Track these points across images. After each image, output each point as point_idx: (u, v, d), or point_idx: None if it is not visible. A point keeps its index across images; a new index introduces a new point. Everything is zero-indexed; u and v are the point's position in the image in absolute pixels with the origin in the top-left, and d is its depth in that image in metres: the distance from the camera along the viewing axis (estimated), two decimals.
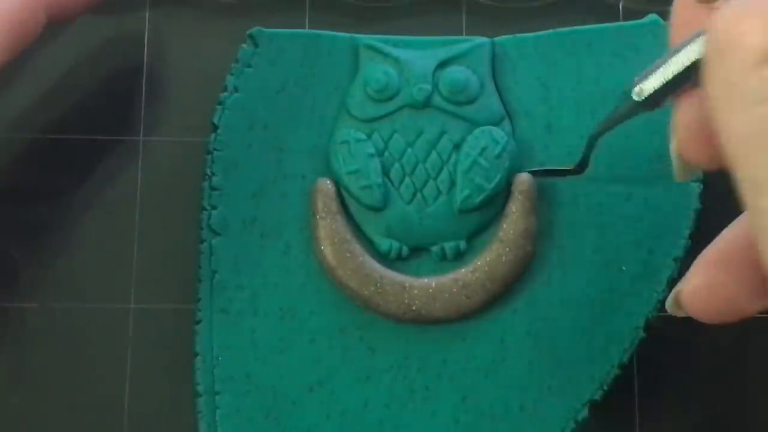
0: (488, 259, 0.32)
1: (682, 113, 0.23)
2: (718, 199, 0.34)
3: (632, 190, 0.33)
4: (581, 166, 0.32)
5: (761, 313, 0.34)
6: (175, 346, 0.33)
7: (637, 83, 0.24)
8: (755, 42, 0.18)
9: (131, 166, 0.34)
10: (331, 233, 0.32)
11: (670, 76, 0.23)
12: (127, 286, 0.33)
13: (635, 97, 0.24)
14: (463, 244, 0.33)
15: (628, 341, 0.32)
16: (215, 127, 0.33)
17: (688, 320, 0.34)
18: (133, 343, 0.33)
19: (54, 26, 0.31)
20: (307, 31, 0.35)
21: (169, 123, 0.35)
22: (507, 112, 0.34)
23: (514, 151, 0.33)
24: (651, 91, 0.23)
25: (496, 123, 0.33)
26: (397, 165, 0.33)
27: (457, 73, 0.33)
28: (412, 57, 0.34)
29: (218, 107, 0.34)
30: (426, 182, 0.33)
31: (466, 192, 0.33)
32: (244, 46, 0.34)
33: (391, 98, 0.33)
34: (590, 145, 0.31)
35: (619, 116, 0.27)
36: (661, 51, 0.34)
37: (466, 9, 0.37)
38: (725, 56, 0.19)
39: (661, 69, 0.23)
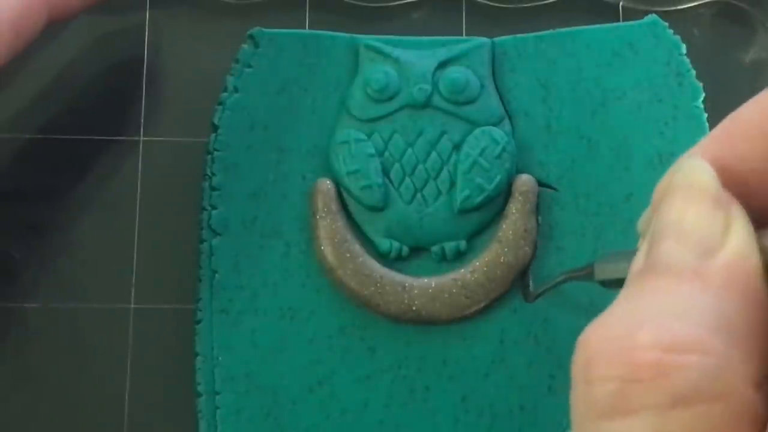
0: (487, 259, 0.32)
1: None
2: None
3: (632, 190, 0.33)
4: None
5: None
6: (175, 346, 0.33)
7: (601, 261, 0.23)
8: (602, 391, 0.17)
9: (131, 166, 0.34)
10: (331, 233, 0.32)
11: (612, 277, 0.22)
12: (127, 286, 0.33)
13: (595, 276, 0.23)
14: (463, 245, 0.33)
15: None
16: (215, 128, 0.33)
17: None
18: (133, 343, 0.33)
19: (54, 25, 0.31)
20: (307, 31, 0.35)
21: (169, 123, 0.35)
22: (507, 112, 0.34)
23: (514, 151, 0.33)
24: (602, 278, 0.23)
25: (496, 123, 0.33)
26: (397, 165, 0.33)
27: (457, 73, 0.33)
28: (412, 57, 0.34)
29: (218, 107, 0.34)
30: (426, 182, 0.33)
31: (466, 192, 0.33)
32: (244, 46, 0.34)
33: (391, 98, 0.33)
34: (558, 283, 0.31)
35: (580, 277, 0.27)
36: (661, 51, 0.34)
37: (466, 9, 0.37)
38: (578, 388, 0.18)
39: (612, 265, 0.22)
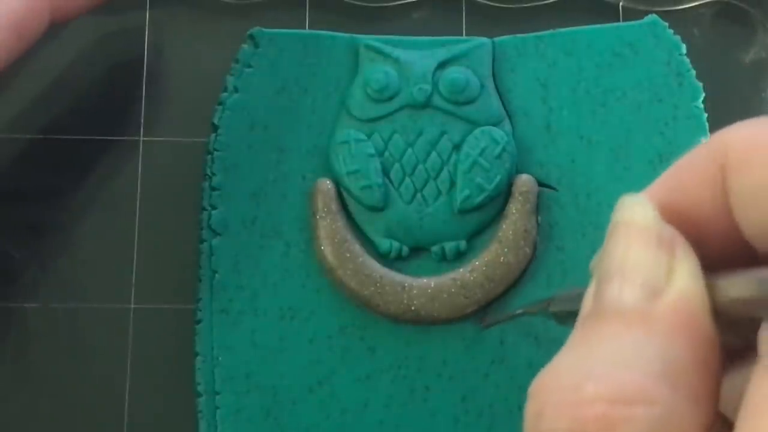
0: (487, 259, 0.32)
1: None
2: None
3: (632, 190, 0.33)
4: None
5: None
6: (175, 346, 0.33)
7: (558, 298, 0.23)
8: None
9: (131, 166, 0.34)
10: (331, 233, 0.32)
11: (563, 311, 0.22)
12: (127, 286, 0.33)
13: (551, 308, 0.23)
14: (463, 245, 0.33)
15: None
16: (215, 128, 0.33)
17: None
18: (133, 343, 0.33)
19: (55, 26, 0.31)
20: (307, 31, 0.35)
21: (169, 123, 0.35)
22: (507, 112, 0.34)
23: (514, 151, 0.33)
24: (557, 310, 0.22)
25: (496, 123, 0.33)
26: (397, 165, 0.33)
27: (457, 73, 0.33)
28: (412, 57, 0.34)
29: (218, 107, 0.34)
30: (426, 182, 0.33)
31: (466, 192, 0.33)
32: (244, 46, 0.34)
33: (391, 98, 0.33)
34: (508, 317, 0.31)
35: (537, 312, 0.26)
36: (661, 51, 0.34)
37: (466, 9, 0.37)
38: None
39: (569, 302, 0.22)
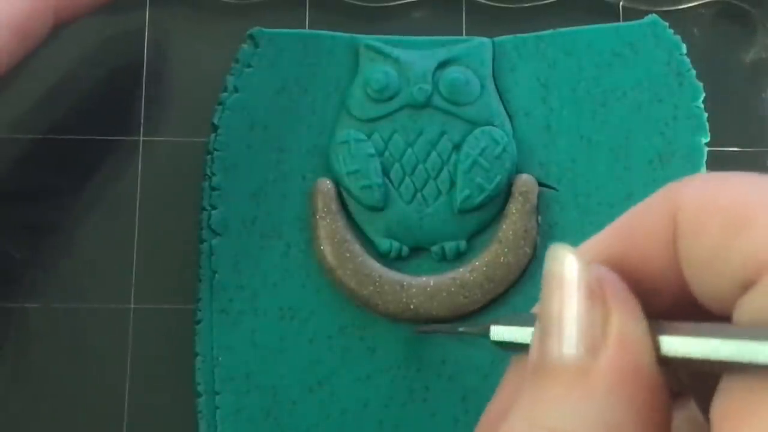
0: (487, 259, 0.32)
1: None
2: None
3: (632, 190, 0.33)
4: None
5: None
6: (175, 346, 0.33)
7: (497, 323, 0.22)
8: None
9: (131, 166, 0.34)
10: (330, 233, 0.32)
11: (507, 341, 0.21)
12: (127, 286, 0.33)
13: (491, 336, 0.22)
14: (463, 245, 0.33)
15: None
16: (215, 128, 0.33)
17: None
18: (133, 343, 0.33)
19: (58, 28, 0.31)
20: (307, 31, 0.35)
21: (169, 123, 0.35)
22: (507, 112, 0.34)
23: (514, 151, 0.33)
24: (498, 340, 0.22)
25: (496, 123, 0.33)
26: (397, 165, 0.33)
27: (457, 73, 0.33)
28: (412, 57, 0.34)
29: (218, 107, 0.34)
30: (426, 182, 0.33)
31: (467, 192, 0.33)
32: (244, 46, 0.34)
33: (391, 98, 0.33)
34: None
35: (475, 333, 0.26)
36: (661, 51, 0.34)
37: (466, 9, 0.37)
38: None
39: (508, 330, 0.21)
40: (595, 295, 0.17)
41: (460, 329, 0.29)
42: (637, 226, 0.18)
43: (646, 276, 0.18)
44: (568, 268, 0.18)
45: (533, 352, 0.18)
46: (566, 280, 0.18)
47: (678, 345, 0.17)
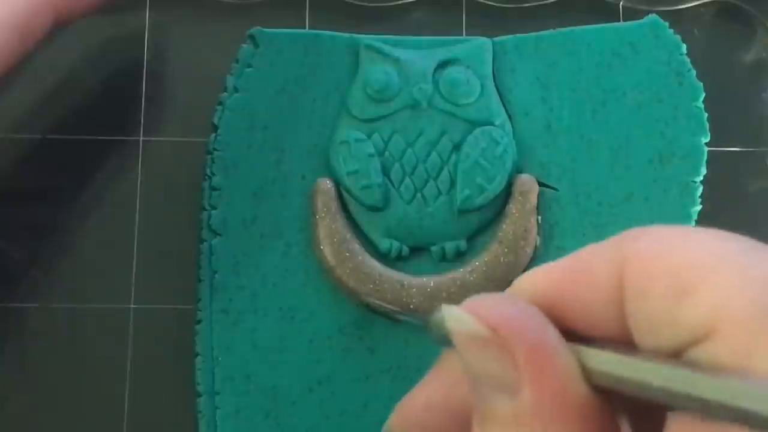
0: (486, 259, 0.32)
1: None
2: (718, 199, 0.34)
3: (632, 190, 0.33)
4: None
5: None
6: (175, 346, 0.33)
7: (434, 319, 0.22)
8: None
9: (131, 166, 0.34)
10: (330, 233, 0.32)
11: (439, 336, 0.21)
12: (127, 286, 0.33)
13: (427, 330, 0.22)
14: (463, 244, 0.33)
15: None
16: (215, 128, 0.33)
17: None
18: (133, 343, 0.33)
19: (58, 28, 0.31)
20: (307, 31, 0.35)
21: (169, 123, 0.35)
22: (507, 112, 0.34)
23: (514, 151, 0.33)
24: (433, 335, 0.21)
25: (496, 123, 0.33)
26: (397, 165, 0.33)
27: (457, 73, 0.33)
28: (412, 57, 0.34)
29: (218, 107, 0.34)
30: (426, 182, 0.33)
31: (467, 192, 0.33)
32: (244, 46, 0.34)
33: (391, 98, 0.33)
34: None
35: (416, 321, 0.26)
36: (661, 51, 0.34)
37: (466, 9, 0.37)
38: None
39: (442, 329, 0.20)
40: (490, 342, 0.17)
41: (404, 316, 0.29)
42: (583, 272, 0.18)
43: (584, 319, 0.18)
44: (464, 325, 0.18)
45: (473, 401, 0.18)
46: (465, 335, 0.18)
47: (609, 369, 0.17)
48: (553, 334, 0.17)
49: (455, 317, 0.18)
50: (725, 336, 0.16)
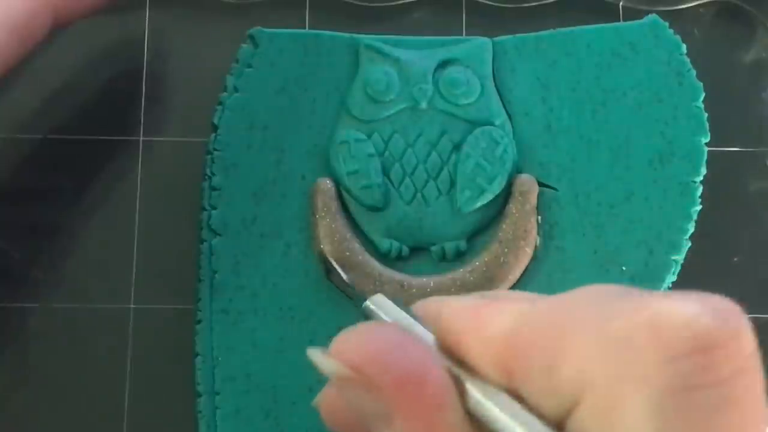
0: (486, 259, 0.32)
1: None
2: (718, 199, 0.34)
3: (632, 190, 0.33)
4: None
5: (762, 315, 0.34)
6: (175, 346, 0.33)
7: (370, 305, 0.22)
8: None
9: (131, 166, 0.34)
10: (330, 232, 0.32)
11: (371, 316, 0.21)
12: (127, 286, 0.33)
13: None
14: (463, 244, 0.33)
15: None
16: (215, 128, 0.33)
17: None
18: (133, 343, 0.33)
19: (57, 30, 0.31)
20: (307, 31, 0.35)
21: (169, 123, 0.35)
22: (507, 112, 0.34)
23: (514, 151, 0.33)
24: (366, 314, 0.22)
25: (496, 123, 0.33)
26: (397, 165, 0.33)
27: (457, 73, 0.33)
28: (412, 57, 0.34)
29: (218, 107, 0.34)
30: (426, 182, 0.33)
31: (467, 192, 0.33)
32: (244, 46, 0.34)
33: (391, 98, 0.33)
34: None
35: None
36: (661, 51, 0.34)
37: (466, 9, 0.37)
38: None
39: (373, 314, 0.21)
40: (356, 381, 0.18)
41: (352, 289, 0.30)
42: (480, 324, 0.18)
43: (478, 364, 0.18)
44: (322, 368, 0.19)
45: None
46: (338, 377, 0.18)
47: (482, 405, 0.17)
48: (424, 363, 0.18)
49: (319, 362, 0.19)
50: (588, 405, 0.16)
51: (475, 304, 0.19)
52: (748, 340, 0.16)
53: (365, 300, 0.21)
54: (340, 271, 0.31)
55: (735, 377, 0.16)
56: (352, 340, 0.18)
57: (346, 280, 0.31)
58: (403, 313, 0.20)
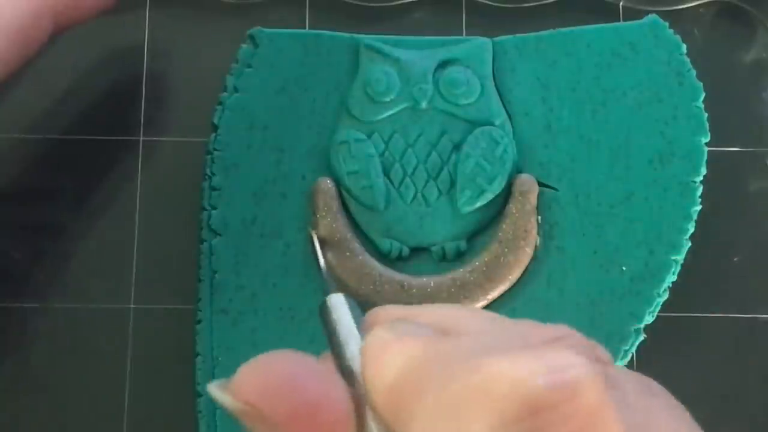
0: (486, 259, 0.32)
1: None
2: (718, 199, 0.34)
3: (632, 190, 0.33)
4: None
5: (762, 315, 0.34)
6: (175, 346, 0.33)
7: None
8: None
9: (132, 166, 0.34)
10: (331, 232, 0.32)
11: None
12: (127, 286, 0.33)
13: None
14: (463, 244, 0.33)
15: (628, 341, 0.32)
16: (215, 128, 0.33)
17: (688, 321, 0.34)
18: (133, 343, 0.33)
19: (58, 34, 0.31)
20: (307, 31, 0.35)
21: (169, 123, 0.35)
22: (507, 112, 0.34)
23: (514, 151, 0.33)
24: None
25: (496, 123, 0.33)
26: (397, 165, 0.33)
27: (457, 73, 0.33)
28: (412, 57, 0.34)
29: (218, 107, 0.34)
30: (426, 182, 0.33)
31: (467, 192, 0.33)
32: (244, 46, 0.34)
33: (391, 98, 0.33)
34: None
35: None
36: (661, 51, 0.34)
37: (466, 9, 0.37)
38: None
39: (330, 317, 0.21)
40: (251, 414, 0.18)
41: (323, 266, 0.29)
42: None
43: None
44: (221, 402, 0.19)
45: None
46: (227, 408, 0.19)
47: None
48: (318, 397, 0.18)
49: (217, 397, 0.19)
50: None
51: (389, 340, 0.19)
52: (589, 397, 0.15)
53: (333, 292, 0.22)
54: (318, 251, 0.31)
55: None
56: (249, 375, 0.19)
57: (322, 265, 0.30)
58: (350, 323, 0.21)
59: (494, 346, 0.17)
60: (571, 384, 0.15)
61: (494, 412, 0.15)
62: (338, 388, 0.18)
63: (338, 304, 0.21)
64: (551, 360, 0.16)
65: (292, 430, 0.18)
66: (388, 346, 0.18)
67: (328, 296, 0.21)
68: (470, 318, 0.19)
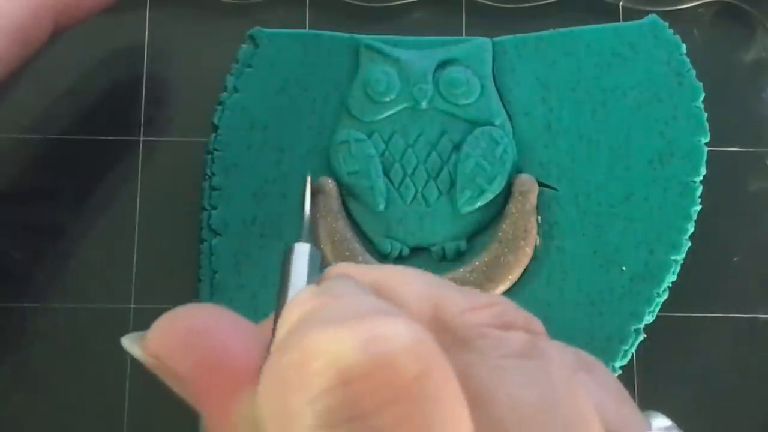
0: (486, 259, 0.32)
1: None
2: (718, 199, 0.34)
3: (632, 190, 0.33)
4: None
5: (762, 315, 0.34)
6: None
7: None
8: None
9: (132, 166, 0.34)
10: (331, 232, 0.32)
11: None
12: (127, 286, 0.33)
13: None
14: (463, 244, 0.33)
15: (628, 341, 0.32)
16: (215, 128, 0.33)
17: (688, 321, 0.34)
18: None
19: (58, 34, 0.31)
20: (307, 31, 0.35)
21: (169, 123, 0.35)
22: (507, 112, 0.34)
23: (514, 151, 0.33)
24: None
25: (496, 123, 0.33)
26: (397, 165, 0.33)
27: (457, 73, 0.33)
28: (412, 57, 0.34)
29: (218, 107, 0.34)
30: (426, 182, 0.33)
31: (467, 192, 0.33)
32: (244, 46, 0.34)
33: (391, 98, 0.33)
34: None
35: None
36: (661, 51, 0.34)
37: (466, 9, 0.37)
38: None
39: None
40: (159, 366, 0.19)
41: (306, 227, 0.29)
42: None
43: None
44: (132, 353, 0.19)
45: None
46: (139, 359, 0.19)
47: None
48: (225, 350, 0.18)
49: (128, 348, 0.19)
50: None
51: (307, 296, 0.19)
52: (405, 367, 0.15)
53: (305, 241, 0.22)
54: (307, 197, 0.30)
55: (383, 408, 0.15)
56: (160, 327, 0.19)
57: (306, 212, 0.30)
58: (303, 274, 0.21)
59: (342, 315, 0.17)
60: (384, 354, 0.15)
61: (307, 385, 0.15)
62: (248, 340, 0.18)
63: (301, 253, 0.21)
64: (374, 330, 0.16)
65: (197, 383, 0.18)
66: (303, 302, 0.18)
67: (294, 244, 0.21)
68: (403, 280, 0.19)
